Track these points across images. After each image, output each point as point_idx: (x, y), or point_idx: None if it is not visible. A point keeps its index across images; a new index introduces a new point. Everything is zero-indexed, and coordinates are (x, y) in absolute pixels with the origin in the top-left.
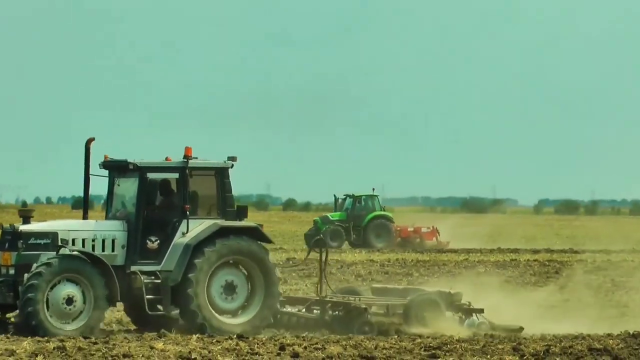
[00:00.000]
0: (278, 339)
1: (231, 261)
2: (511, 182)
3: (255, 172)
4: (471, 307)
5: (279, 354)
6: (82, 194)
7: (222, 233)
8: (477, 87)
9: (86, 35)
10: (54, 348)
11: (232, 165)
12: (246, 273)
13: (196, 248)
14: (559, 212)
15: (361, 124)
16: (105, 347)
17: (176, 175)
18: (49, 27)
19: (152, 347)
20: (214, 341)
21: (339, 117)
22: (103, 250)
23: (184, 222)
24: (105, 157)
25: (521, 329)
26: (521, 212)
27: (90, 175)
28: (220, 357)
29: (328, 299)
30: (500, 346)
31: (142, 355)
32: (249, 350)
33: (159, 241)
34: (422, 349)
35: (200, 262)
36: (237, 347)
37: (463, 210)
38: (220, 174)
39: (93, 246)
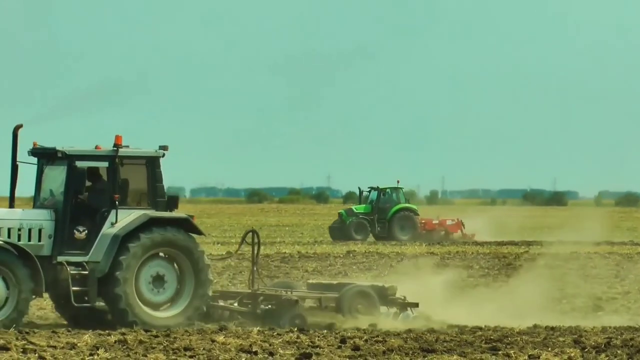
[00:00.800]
0: (339, 332)
1: (160, 253)
2: (572, 174)
3: (315, 165)
4: (406, 301)
5: (339, 347)
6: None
7: (151, 224)
8: (537, 79)
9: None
10: (115, 341)
11: (164, 155)
12: (176, 265)
13: (124, 239)
14: (619, 204)
15: (421, 117)
16: (166, 341)
17: (106, 163)
18: None
19: (213, 340)
20: (274, 334)
21: (398, 109)
22: (29, 240)
23: (113, 212)
24: (34, 144)
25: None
26: (582, 204)
27: (17, 163)
28: (282, 349)
29: (260, 292)
30: (561, 339)
31: (203, 349)
32: (310, 343)
33: (87, 231)
34: (483, 341)
35: (128, 256)
36: (298, 340)
37: (524, 202)
38: (151, 163)
39: (19, 236)
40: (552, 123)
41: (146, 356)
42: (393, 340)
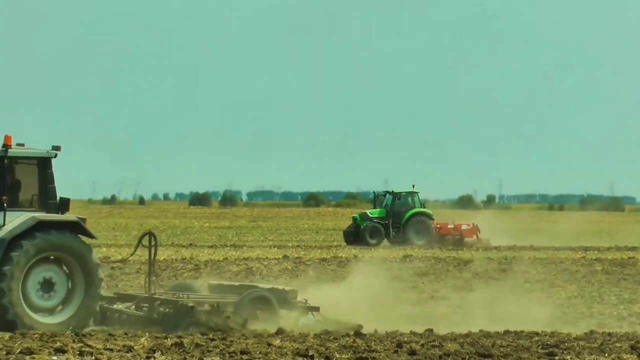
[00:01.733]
0: (395, 337)
1: (51, 257)
2: (630, 179)
3: (372, 169)
4: (307, 304)
5: (396, 352)
6: (199, 190)
7: (40, 227)
8: (596, 84)
9: None
10: (171, 344)
11: (56, 155)
12: (65, 267)
13: (12, 242)
14: None
15: (479, 120)
16: (222, 344)
17: None
18: None
19: (269, 344)
20: (330, 338)
21: (455, 113)
22: None
23: (1, 214)
24: None
25: (360, 326)
26: (639, 209)
27: None
28: (338, 354)
29: (157, 297)
30: (617, 344)
31: (260, 352)
32: (366, 347)
33: None
34: (540, 346)
35: (16, 256)
36: (354, 344)
37: (581, 207)
38: (43, 164)
39: None
40: (610, 128)
41: (202, 359)
42: (449, 345)
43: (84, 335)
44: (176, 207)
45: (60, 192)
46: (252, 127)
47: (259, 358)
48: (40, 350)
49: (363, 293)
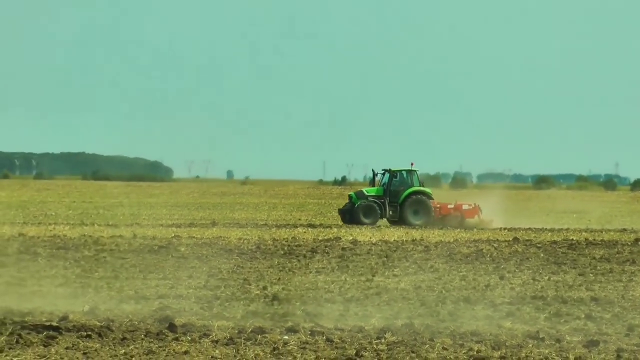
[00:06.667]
0: (626, 320)
1: None
2: None
3: (603, 152)
4: None
5: (627, 335)
6: (430, 172)
7: None
8: None
9: None
10: (401, 325)
11: None
12: None
13: None
14: None
15: None
16: (453, 325)
17: None
18: None
19: (500, 326)
20: (561, 321)
21: None
22: None
23: None
24: None
25: None
26: None
27: None
28: (569, 336)
29: None
30: None
31: (490, 334)
32: (597, 330)
33: None
34: None
35: None
36: (585, 327)
37: None
38: None
39: None
40: None
41: (433, 340)
42: None
43: (315, 315)
44: None
45: (291, 174)
46: (485, 109)
47: (490, 339)
48: (271, 329)
49: None
